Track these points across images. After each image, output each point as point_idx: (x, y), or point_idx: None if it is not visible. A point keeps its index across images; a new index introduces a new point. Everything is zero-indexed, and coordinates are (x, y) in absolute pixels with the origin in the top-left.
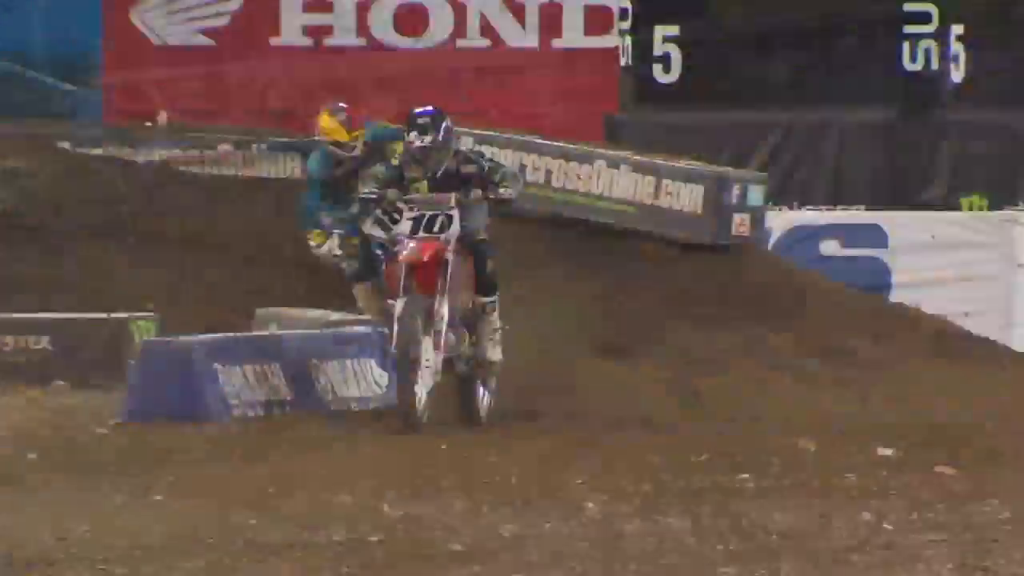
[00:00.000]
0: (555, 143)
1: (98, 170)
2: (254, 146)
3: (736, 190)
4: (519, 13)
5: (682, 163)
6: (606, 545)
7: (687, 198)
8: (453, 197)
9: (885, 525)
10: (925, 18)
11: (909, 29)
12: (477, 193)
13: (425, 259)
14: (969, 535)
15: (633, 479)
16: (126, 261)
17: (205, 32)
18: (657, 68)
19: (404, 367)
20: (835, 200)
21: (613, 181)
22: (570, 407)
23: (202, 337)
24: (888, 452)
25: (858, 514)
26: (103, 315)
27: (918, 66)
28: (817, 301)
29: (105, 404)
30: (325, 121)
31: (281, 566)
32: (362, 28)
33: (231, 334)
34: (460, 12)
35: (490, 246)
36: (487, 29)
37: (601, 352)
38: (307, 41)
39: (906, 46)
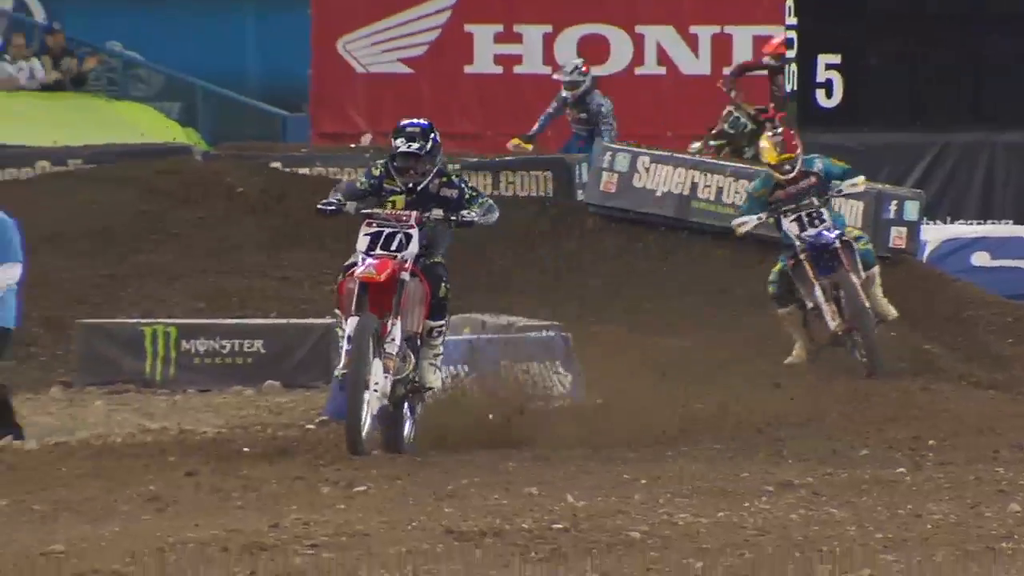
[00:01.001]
0: (726, 163)
1: (305, 188)
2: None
3: (893, 206)
4: (692, 43)
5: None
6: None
7: (848, 214)
8: (413, 216)
9: None
10: None
11: None
12: (438, 213)
13: (381, 279)
14: None
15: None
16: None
17: (404, 61)
18: (820, 93)
19: (353, 389)
20: (985, 215)
21: None
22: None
23: None
24: None
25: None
26: (311, 321)
27: None
28: (973, 309)
29: (312, 402)
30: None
31: (475, 552)
32: (548, 57)
33: None
34: (639, 42)
35: (445, 269)
36: (663, 58)
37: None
38: (498, 69)
39: None
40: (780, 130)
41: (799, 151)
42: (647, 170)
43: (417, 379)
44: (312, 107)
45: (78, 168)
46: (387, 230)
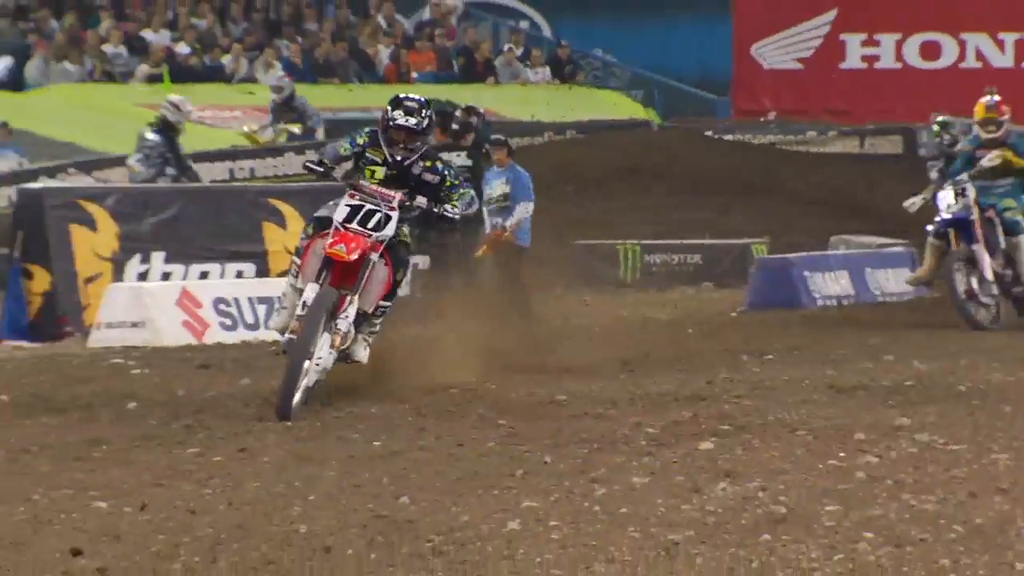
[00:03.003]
0: None
1: (728, 151)
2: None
3: None
4: (1001, 44)
5: None
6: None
7: None
8: (397, 197)
9: None
10: None
11: None
12: (422, 201)
13: (350, 259)
14: None
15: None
16: (746, 209)
17: (798, 59)
18: None
19: (297, 357)
20: None
21: None
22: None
23: (796, 255)
24: None
25: None
26: (735, 241)
27: None
28: None
29: (735, 298)
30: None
31: (850, 401)
32: (899, 56)
33: (815, 253)
34: (962, 44)
35: (408, 251)
36: (979, 56)
37: None
38: (863, 65)
39: None
40: (997, 98)
41: (1007, 118)
42: None
43: (350, 352)
44: (733, 93)
45: (573, 137)
46: (368, 206)
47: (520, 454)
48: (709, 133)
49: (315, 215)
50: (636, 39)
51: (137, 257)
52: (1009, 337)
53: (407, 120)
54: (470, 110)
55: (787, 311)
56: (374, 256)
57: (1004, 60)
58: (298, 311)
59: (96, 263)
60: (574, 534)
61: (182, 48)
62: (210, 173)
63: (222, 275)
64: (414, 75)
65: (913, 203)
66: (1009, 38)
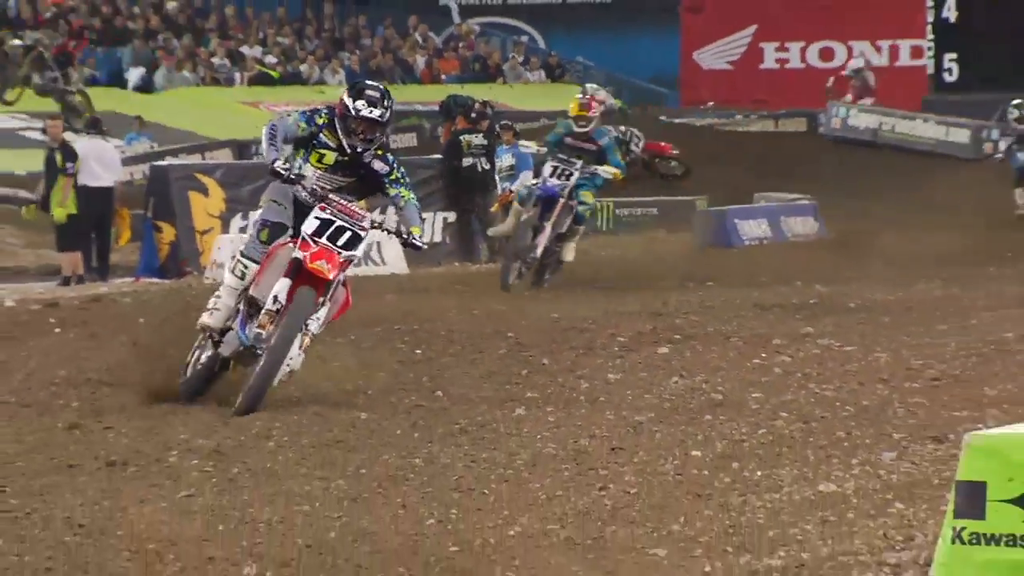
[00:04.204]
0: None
1: (676, 131)
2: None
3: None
4: (878, 48)
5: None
6: None
7: (956, 136)
8: (369, 219)
9: None
10: None
11: None
12: (391, 224)
13: (330, 277)
14: None
15: None
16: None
17: (729, 62)
18: (945, 73)
19: (278, 355)
20: None
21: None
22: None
23: (729, 207)
24: None
25: None
26: (683, 197)
27: None
28: None
29: (683, 240)
30: None
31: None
32: (803, 58)
33: (743, 205)
34: (849, 49)
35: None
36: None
37: None
38: (777, 66)
39: None
40: (589, 96)
41: (594, 116)
42: None
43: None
44: (680, 87)
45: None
46: (339, 222)
47: (524, 358)
48: (663, 118)
49: (265, 218)
50: (609, 48)
51: (239, 215)
52: (888, 266)
53: (371, 111)
54: (485, 103)
55: (722, 249)
56: (342, 276)
57: (881, 60)
58: (268, 305)
59: (208, 220)
60: (565, 417)
61: (270, 59)
62: None
63: None
64: (443, 77)
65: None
66: (884, 44)
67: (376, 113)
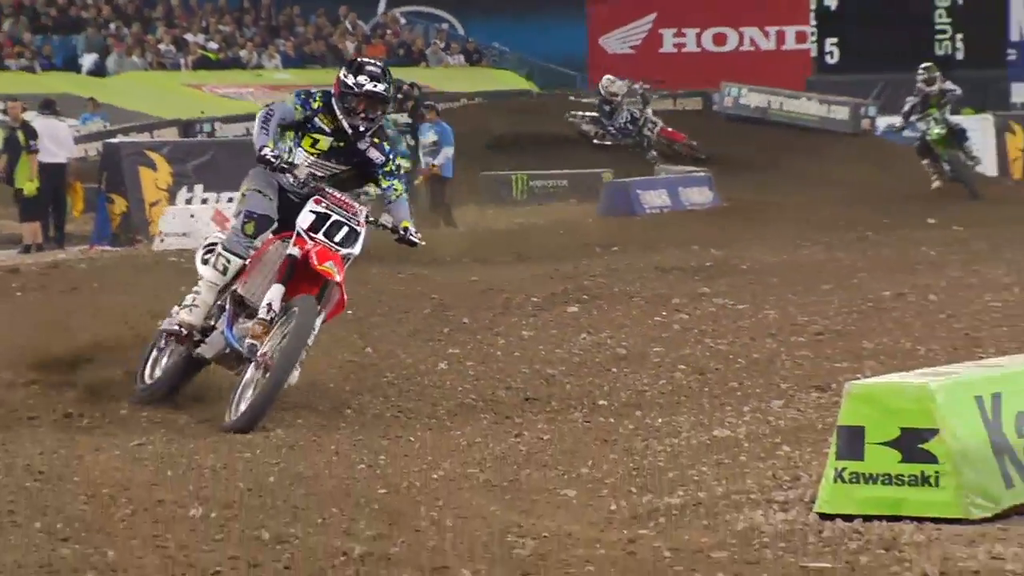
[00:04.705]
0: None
1: (584, 110)
2: None
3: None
4: (766, 34)
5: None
6: None
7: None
8: (364, 214)
9: None
10: None
11: None
12: (386, 220)
13: (338, 279)
14: None
15: None
16: (597, 148)
17: (631, 47)
18: (827, 56)
19: (281, 374)
20: None
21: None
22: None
23: (632, 179)
24: None
25: None
26: (591, 170)
27: None
28: None
29: (590, 209)
30: None
31: None
32: (699, 43)
33: (645, 177)
34: (740, 34)
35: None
36: (752, 42)
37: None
38: (675, 50)
39: None
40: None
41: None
42: None
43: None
44: (587, 70)
45: (479, 101)
46: (335, 216)
47: (447, 318)
48: (572, 98)
49: (250, 210)
50: (522, 34)
51: (184, 188)
52: (776, 232)
53: (375, 86)
54: (413, 85)
55: (626, 217)
56: (339, 276)
57: (769, 44)
58: (262, 314)
59: (156, 192)
60: (484, 371)
61: (212, 45)
62: (232, 131)
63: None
64: None
65: None
66: (772, 30)
67: (381, 87)
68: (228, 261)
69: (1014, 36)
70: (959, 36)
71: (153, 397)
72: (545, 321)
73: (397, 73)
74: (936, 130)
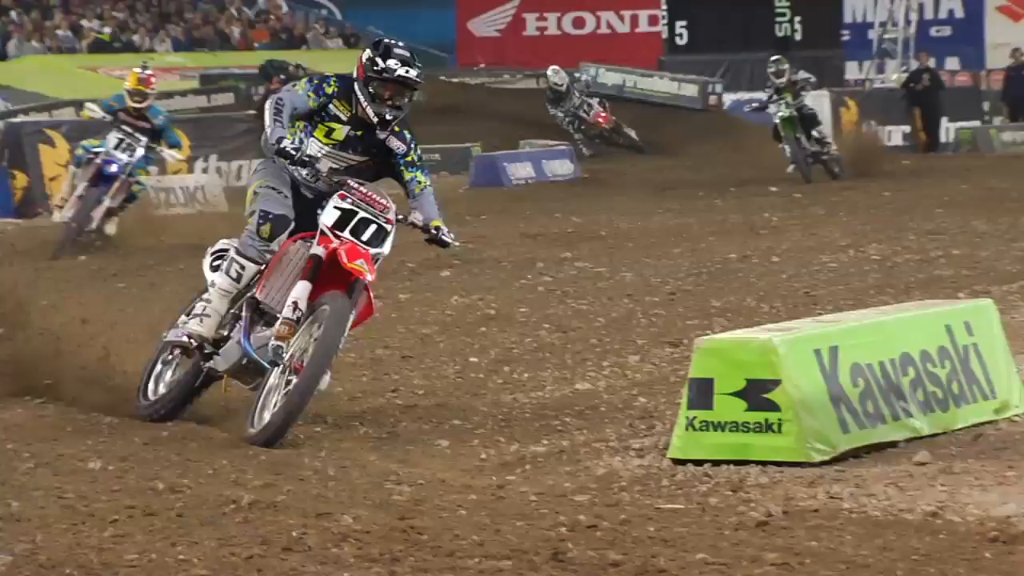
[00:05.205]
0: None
1: (454, 88)
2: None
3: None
4: (622, 18)
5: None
6: None
7: (686, 91)
8: (393, 211)
9: None
10: None
11: None
12: (417, 218)
13: (371, 278)
14: None
15: None
16: (468, 123)
17: (497, 30)
18: (677, 37)
19: (311, 381)
20: None
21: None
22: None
23: (499, 152)
24: None
25: None
26: (461, 144)
27: None
28: None
29: (461, 181)
30: None
31: None
32: (559, 26)
33: (511, 151)
34: (598, 18)
35: None
36: (609, 25)
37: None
38: (537, 33)
39: None
40: (150, 71)
41: (152, 92)
42: None
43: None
44: (457, 52)
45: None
46: (362, 213)
47: None
48: (443, 78)
49: (265, 210)
50: (396, 19)
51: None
52: (631, 200)
53: (407, 71)
54: (298, 66)
55: (494, 189)
56: (371, 275)
57: (624, 27)
58: (287, 314)
59: (55, 168)
60: (363, 331)
61: (106, 30)
62: None
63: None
64: (256, 45)
65: None
66: (626, 13)
67: (413, 73)
68: (243, 267)
69: (848, 18)
70: (797, 19)
71: (158, 414)
72: (420, 285)
73: (281, 55)
74: (782, 113)
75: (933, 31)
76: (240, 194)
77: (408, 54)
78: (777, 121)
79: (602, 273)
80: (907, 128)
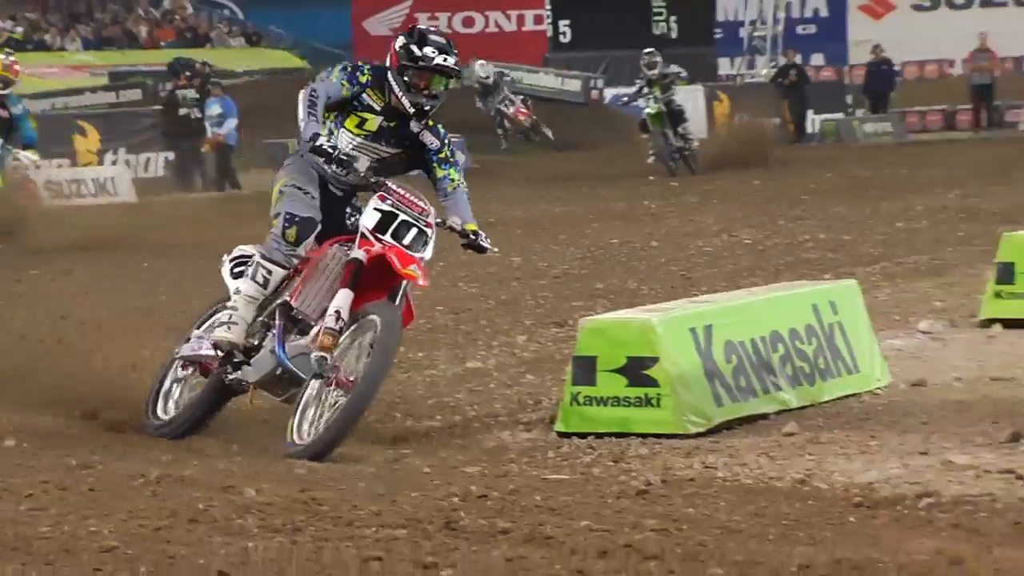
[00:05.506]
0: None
1: None
2: None
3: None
4: (509, 17)
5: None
6: None
7: (569, 86)
8: (433, 214)
9: None
10: None
11: None
12: (455, 222)
13: (424, 284)
14: None
15: None
16: None
17: (391, 29)
18: (561, 36)
19: (366, 396)
20: None
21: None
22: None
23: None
24: None
25: None
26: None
27: None
28: None
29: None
30: None
31: None
32: (450, 25)
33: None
34: (487, 17)
35: None
36: (497, 24)
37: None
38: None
39: None
40: (13, 58)
41: (16, 80)
42: None
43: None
44: (354, 50)
45: (259, 79)
46: (403, 216)
47: None
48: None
49: (291, 212)
50: (295, 18)
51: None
52: (519, 189)
53: (445, 59)
54: (204, 64)
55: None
56: (424, 281)
57: (511, 26)
58: (330, 324)
59: None
60: None
61: (19, 30)
62: (39, 106)
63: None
64: (162, 44)
65: None
66: (513, 13)
67: (451, 61)
68: (269, 272)
69: (720, 17)
70: (673, 18)
71: (175, 433)
72: None
73: (187, 54)
74: (649, 108)
75: (800, 29)
76: (147, 185)
77: (444, 41)
78: (645, 116)
79: (492, 258)
80: (777, 120)
